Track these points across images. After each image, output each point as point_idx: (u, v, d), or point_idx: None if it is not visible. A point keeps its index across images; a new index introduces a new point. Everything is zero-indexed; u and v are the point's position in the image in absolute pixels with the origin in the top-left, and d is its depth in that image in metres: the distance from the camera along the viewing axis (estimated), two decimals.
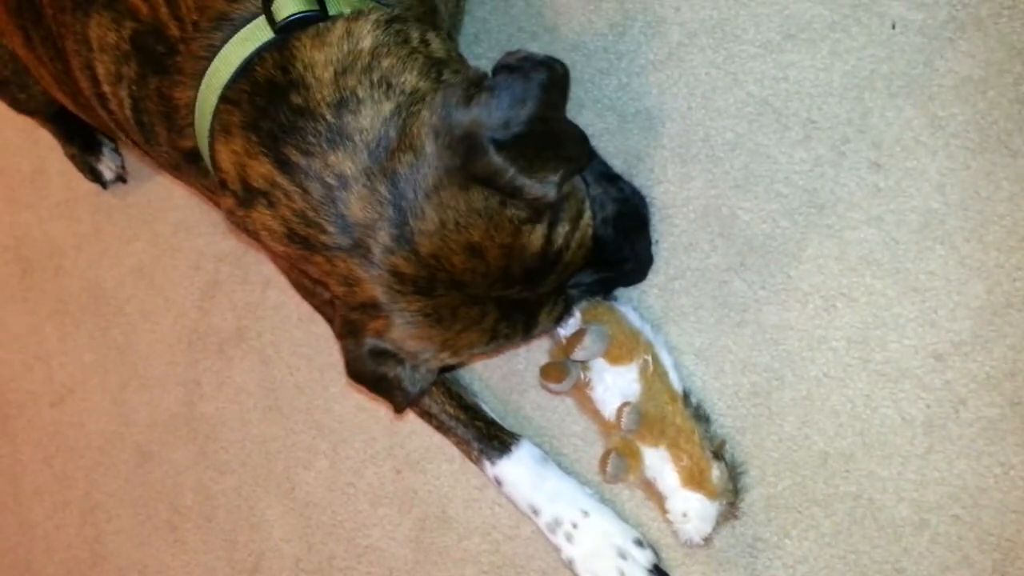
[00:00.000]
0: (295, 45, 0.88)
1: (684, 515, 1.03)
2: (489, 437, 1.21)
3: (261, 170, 0.89)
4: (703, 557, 1.13)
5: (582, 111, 1.24)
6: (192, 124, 0.95)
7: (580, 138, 0.95)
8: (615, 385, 1.09)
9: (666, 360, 1.11)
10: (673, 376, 1.10)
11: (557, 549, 1.16)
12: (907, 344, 1.06)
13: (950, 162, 1.05)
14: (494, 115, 0.82)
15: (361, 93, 0.86)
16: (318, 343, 1.45)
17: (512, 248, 0.87)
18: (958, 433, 1.03)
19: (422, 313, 0.89)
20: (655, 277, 1.18)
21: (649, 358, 1.08)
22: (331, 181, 0.85)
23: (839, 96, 1.10)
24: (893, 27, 1.08)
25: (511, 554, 1.25)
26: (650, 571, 1.12)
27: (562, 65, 0.90)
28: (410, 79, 0.87)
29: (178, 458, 1.58)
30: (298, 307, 1.47)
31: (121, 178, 1.70)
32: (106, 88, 1.02)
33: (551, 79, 0.86)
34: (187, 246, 1.61)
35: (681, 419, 1.06)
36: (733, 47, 1.16)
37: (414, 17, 0.98)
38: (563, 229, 0.91)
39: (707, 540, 1.06)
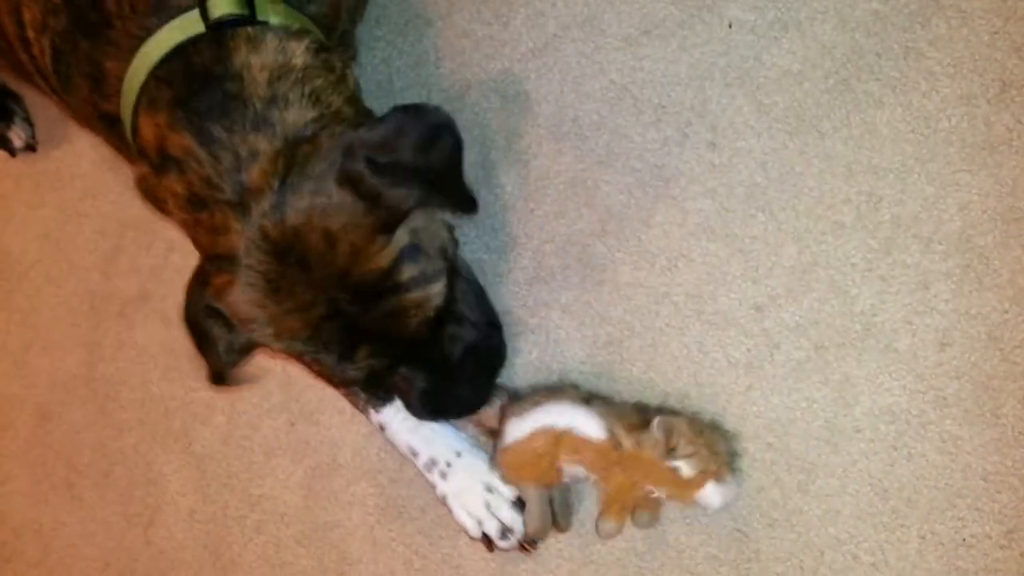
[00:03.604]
0: (231, 45, 0.95)
1: None
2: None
3: (181, 142, 0.94)
4: None
5: (469, 91, 1.31)
6: (118, 93, 1.00)
7: (465, 193, 0.99)
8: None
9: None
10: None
11: (432, 486, 1.21)
12: (733, 298, 1.15)
13: (772, 142, 1.15)
14: (373, 134, 0.91)
15: (291, 97, 0.93)
16: None
17: (360, 251, 0.90)
18: (772, 373, 1.12)
19: (266, 277, 0.92)
20: (529, 242, 1.24)
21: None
22: (243, 154, 0.92)
23: (684, 85, 1.20)
24: (730, 26, 1.21)
25: (395, 495, 1.29)
26: (513, 503, 1.19)
27: (449, 122, 0.95)
28: (336, 101, 0.97)
29: (77, 418, 1.54)
30: None
31: (31, 147, 1.67)
32: (30, 33, 1.06)
33: (438, 121, 0.93)
34: (94, 212, 1.59)
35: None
36: (599, 40, 1.26)
37: (318, 12, 1.06)
38: (410, 271, 0.94)
39: None
